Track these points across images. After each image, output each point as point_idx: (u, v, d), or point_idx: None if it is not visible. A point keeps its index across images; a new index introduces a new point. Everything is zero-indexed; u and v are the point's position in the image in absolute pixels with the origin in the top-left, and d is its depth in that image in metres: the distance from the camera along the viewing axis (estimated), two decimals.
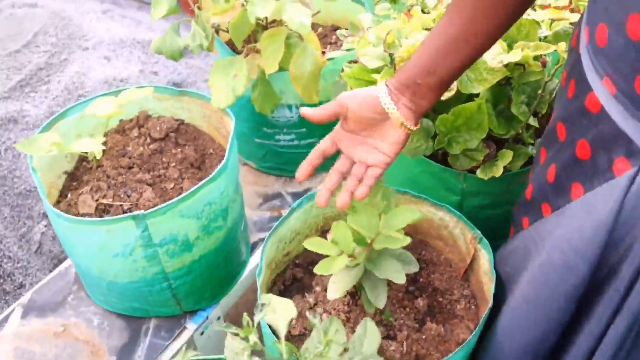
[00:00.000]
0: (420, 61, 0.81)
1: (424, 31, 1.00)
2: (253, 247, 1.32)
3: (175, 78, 1.87)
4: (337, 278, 0.93)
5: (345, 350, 0.78)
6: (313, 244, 0.91)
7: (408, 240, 0.87)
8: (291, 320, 0.76)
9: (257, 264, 1.27)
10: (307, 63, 1.16)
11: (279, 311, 0.73)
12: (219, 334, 1.24)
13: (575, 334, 0.82)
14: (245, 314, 0.67)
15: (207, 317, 1.19)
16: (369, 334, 0.79)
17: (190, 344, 1.19)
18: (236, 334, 0.68)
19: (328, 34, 1.52)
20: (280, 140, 1.40)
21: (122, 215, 0.97)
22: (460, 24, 0.78)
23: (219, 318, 1.23)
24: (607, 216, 0.71)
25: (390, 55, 0.95)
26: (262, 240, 1.34)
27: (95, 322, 1.19)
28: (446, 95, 0.94)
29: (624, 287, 0.73)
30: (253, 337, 0.66)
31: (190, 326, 1.18)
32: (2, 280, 1.51)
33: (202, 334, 1.19)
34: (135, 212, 0.97)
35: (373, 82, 1.05)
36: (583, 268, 0.75)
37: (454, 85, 0.95)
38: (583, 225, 0.74)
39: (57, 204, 1.15)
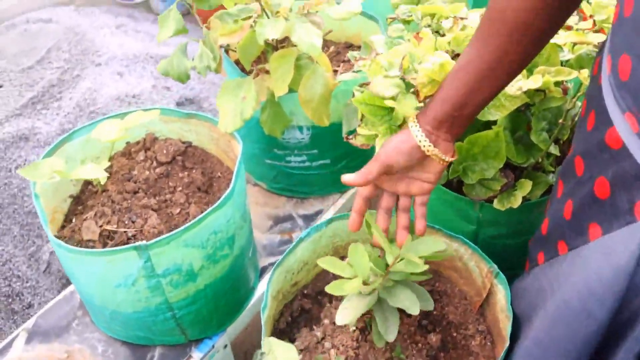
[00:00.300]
0: (450, 96, 0.79)
1: (438, 53, 0.96)
2: (262, 272, 1.29)
3: (187, 94, 1.85)
4: (348, 304, 0.89)
5: None
6: (328, 263, 0.88)
7: (427, 267, 0.83)
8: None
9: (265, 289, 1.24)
10: (317, 85, 1.13)
11: (280, 357, 0.69)
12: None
13: None
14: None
15: (213, 346, 1.16)
16: None
17: None
18: None
19: (341, 51, 1.48)
20: (292, 162, 1.36)
21: (124, 247, 0.94)
22: (491, 56, 0.75)
23: (225, 346, 1.19)
24: (628, 261, 0.66)
25: (406, 81, 0.91)
26: (271, 264, 1.30)
27: (100, 349, 1.16)
28: None
29: None
30: None
31: (196, 355, 1.14)
32: (10, 300, 1.49)
33: None
34: (138, 243, 0.94)
35: (386, 108, 1.01)
36: (601, 315, 0.70)
37: None
38: (602, 270, 0.69)
39: (61, 229, 1.12)
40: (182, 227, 0.96)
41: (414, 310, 0.86)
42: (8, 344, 1.18)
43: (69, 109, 1.73)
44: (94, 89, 1.81)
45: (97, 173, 1.03)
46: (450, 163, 0.88)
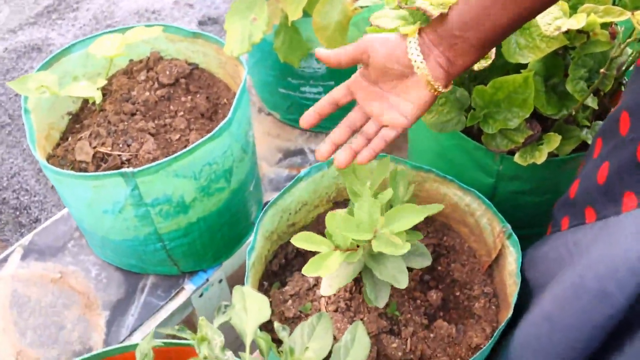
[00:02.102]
0: (459, 11, 0.65)
1: None
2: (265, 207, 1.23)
3: (211, 12, 1.74)
4: (333, 274, 0.81)
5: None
6: (301, 240, 0.78)
7: (408, 246, 0.73)
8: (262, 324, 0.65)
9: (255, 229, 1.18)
10: (334, 11, 1.02)
11: (250, 311, 0.63)
12: (219, 296, 1.17)
13: None
14: (201, 318, 0.57)
15: (207, 279, 1.12)
16: (358, 342, 0.68)
17: (188, 305, 1.12)
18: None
19: None
20: (306, 92, 1.27)
21: (109, 172, 0.89)
22: None
23: (220, 281, 1.15)
24: None
25: (412, 11, 0.79)
26: None
27: (93, 273, 1.14)
28: (478, 66, 0.79)
29: None
30: (205, 349, 0.56)
31: (189, 287, 1.11)
32: (18, 213, 1.48)
33: (201, 295, 1.12)
34: (124, 170, 0.88)
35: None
36: (620, 299, 0.61)
37: (492, 53, 0.79)
38: (629, 248, 0.60)
39: (56, 147, 1.07)
40: (171, 156, 0.89)
41: (402, 283, 0.77)
42: (4, 258, 1.16)
43: (85, 20, 1.66)
44: (112, 1, 1.72)
45: (90, 92, 0.97)
46: (435, 99, 0.72)
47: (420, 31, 0.69)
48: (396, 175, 0.82)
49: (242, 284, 1.24)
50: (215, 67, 1.14)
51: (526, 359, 0.77)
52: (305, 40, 1.14)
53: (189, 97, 1.10)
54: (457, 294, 0.94)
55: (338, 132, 0.75)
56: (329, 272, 0.73)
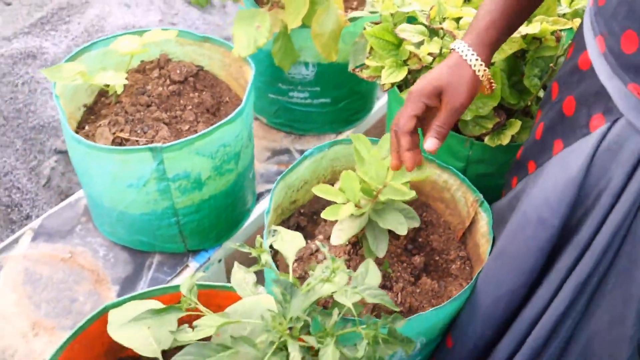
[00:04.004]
0: (495, 19, 0.82)
1: (467, 10, 1.02)
2: (258, 197, 1.36)
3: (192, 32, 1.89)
4: (342, 226, 0.97)
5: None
6: (321, 190, 0.95)
7: (413, 193, 0.92)
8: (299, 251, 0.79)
9: (260, 213, 1.32)
10: (329, 22, 1.19)
11: (287, 241, 0.77)
12: (219, 275, 1.28)
13: (539, 287, 0.86)
14: (258, 237, 0.71)
15: (209, 258, 1.23)
16: (371, 272, 0.83)
17: None
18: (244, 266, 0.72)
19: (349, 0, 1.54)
20: (294, 97, 1.43)
21: (139, 147, 1.01)
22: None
23: (220, 260, 1.27)
24: (578, 172, 0.75)
25: (430, 28, 0.98)
26: (267, 191, 1.38)
27: (101, 253, 1.23)
28: None
29: (584, 243, 0.77)
30: (265, 256, 0.69)
31: (193, 265, 1.22)
32: (9, 210, 1.55)
33: (202, 273, 1.23)
34: (153, 145, 1.01)
35: (394, 43, 1.08)
36: (554, 222, 0.79)
37: None
38: (557, 181, 0.78)
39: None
40: (195, 135, 1.02)
41: (403, 230, 0.94)
42: (14, 240, 1.24)
43: (77, 32, 1.77)
44: (102, 16, 1.85)
45: (118, 80, 1.09)
46: None
47: (474, 46, 0.82)
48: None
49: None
50: (218, 69, 1.28)
51: (487, 291, 0.93)
52: (297, 49, 1.31)
53: (196, 94, 1.24)
54: (437, 258, 1.10)
55: (406, 143, 0.84)
56: (343, 216, 0.89)
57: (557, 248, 0.82)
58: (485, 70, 0.82)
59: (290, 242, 0.78)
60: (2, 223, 1.53)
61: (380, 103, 1.62)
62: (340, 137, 1.53)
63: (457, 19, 0.97)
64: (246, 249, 0.71)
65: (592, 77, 0.74)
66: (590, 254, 0.77)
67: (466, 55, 0.81)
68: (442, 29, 0.93)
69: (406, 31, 0.98)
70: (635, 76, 0.67)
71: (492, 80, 0.85)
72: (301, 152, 1.48)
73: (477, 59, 0.81)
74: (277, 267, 1.03)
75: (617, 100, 0.70)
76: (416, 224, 1.01)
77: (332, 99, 1.44)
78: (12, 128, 1.59)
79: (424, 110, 0.83)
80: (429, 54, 0.96)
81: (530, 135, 0.93)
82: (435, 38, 0.98)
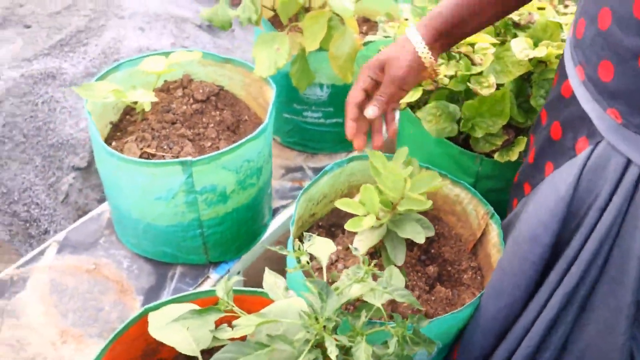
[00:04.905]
0: (452, 11, 0.91)
1: (481, 34, 1.09)
2: (274, 213, 1.42)
3: (215, 54, 1.96)
4: (362, 237, 1.03)
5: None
6: (343, 204, 1.01)
7: (430, 202, 0.98)
8: (331, 256, 0.85)
9: (276, 228, 1.38)
10: (345, 45, 1.26)
11: (319, 246, 0.83)
12: (237, 286, 1.32)
13: (532, 300, 0.92)
14: (296, 240, 0.76)
15: (228, 270, 1.28)
16: (395, 276, 0.89)
17: (212, 293, 1.27)
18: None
19: (360, 24, 1.62)
20: (308, 117, 1.49)
21: (170, 160, 1.06)
22: None
23: (239, 272, 1.32)
24: (567, 191, 0.82)
25: (449, 54, 1.05)
26: (283, 207, 1.43)
27: (125, 264, 1.28)
28: (487, 92, 1.04)
29: (572, 255, 0.83)
30: (304, 258, 0.75)
31: (213, 276, 1.27)
32: (28, 225, 1.59)
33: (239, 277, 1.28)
34: (184, 159, 1.06)
35: None
36: (546, 239, 0.85)
37: (493, 83, 1.04)
38: (547, 200, 0.85)
39: None
40: (223, 150, 1.08)
41: (420, 239, 1.01)
42: (40, 252, 1.28)
43: (94, 54, 1.84)
44: (118, 39, 1.92)
45: (148, 98, 1.15)
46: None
47: (423, 34, 0.91)
48: (410, 161, 1.05)
49: (255, 278, 1.42)
50: (238, 89, 1.35)
51: (489, 304, 0.99)
52: (312, 71, 1.38)
53: (218, 113, 1.30)
54: (449, 269, 1.16)
55: (352, 113, 0.98)
56: (364, 228, 0.94)
57: (550, 263, 0.89)
58: (428, 52, 0.90)
59: (323, 247, 0.83)
60: (21, 238, 1.57)
61: None
62: (351, 155, 1.60)
63: (472, 44, 1.04)
64: (285, 252, 0.76)
65: (575, 103, 0.81)
66: (577, 264, 0.83)
67: (411, 35, 0.91)
68: (459, 52, 1.00)
69: None
70: (613, 102, 0.74)
71: (436, 68, 0.93)
72: (314, 169, 1.54)
73: (421, 41, 0.90)
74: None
75: (598, 124, 0.77)
76: (431, 233, 1.07)
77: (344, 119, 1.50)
78: (32, 145, 1.64)
79: (373, 85, 0.95)
80: (446, 75, 1.03)
81: (524, 159, 1.00)
82: (452, 61, 1.05)
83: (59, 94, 1.73)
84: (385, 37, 1.29)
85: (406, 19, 1.24)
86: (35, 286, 1.23)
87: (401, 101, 1.13)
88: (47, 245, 1.30)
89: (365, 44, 1.31)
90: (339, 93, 1.44)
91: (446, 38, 0.93)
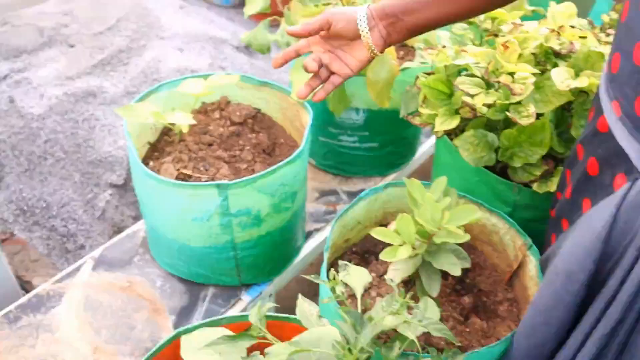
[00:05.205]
0: (406, 1, 0.93)
1: (522, 66, 1.08)
2: (307, 236, 1.41)
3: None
4: (397, 266, 1.01)
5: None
6: (379, 233, 1.00)
7: (468, 236, 0.96)
8: (365, 285, 0.84)
9: (309, 251, 1.37)
10: (383, 71, 1.26)
11: (354, 275, 0.82)
12: (270, 310, 1.32)
13: (568, 338, 0.89)
14: (332, 270, 0.76)
15: (261, 292, 1.28)
16: (430, 308, 0.87)
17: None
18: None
19: (397, 49, 1.62)
20: (343, 141, 1.49)
21: (207, 183, 1.07)
22: None
23: (270, 295, 1.32)
24: (603, 228, 0.79)
25: (486, 80, 1.04)
26: (316, 230, 1.43)
27: (158, 283, 1.29)
28: (526, 122, 1.02)
29: (610, 295, 0.80)
30: (340, 288, 0.74)
31: (245, 298, 1.27)
32: (65, 240, 1.62)
33: (254, 307, 1.28)
34: (219, 182, 1.07)
35: (446, 93, 1.15)
36: (581, 276, 0.82)
37: (533, 112, 1.03)
38: (584, 237, 0.82)
39: None
40: (259, 174, 1.09)
41: (456, 271, 0.99)
42: (76, 268, 1.30)
43: (134, 74, 1.88)
44: (158, 59, 1.96)
45: (186, 120, 1.17)
46: (372, 59, 1.00)
47: (369, 7, 0.94)
48: (448, 191, 1.04)
49: (287, 301, 1.41)
50: (275, 112, 1.36)
51: (522, 340, 0.96)
52: (349, 96, 1.38)
53: (254, 135, 1.31)
54: (484, 300, 1.14)
55: (291, 50, 1.01)
56: (400, 258, 0.93)
57: (585, 302, 0.86)
58: (365, 23, 0.93)
59: (357, 277, 0.83)
60: (58, 252, 1.60)
61: (424, 148, 1.68)
62: (386, 179, 1.59)
63: (512, 73, 1.03)
64: (320, 281, 0.76)
65: (611, 139, 0.79)
66: (615, 306, 0.80)
67: (361, 7, 0.94)
68: (498, 82, 1.00)
69: (464, 84, 1.04)
70: None
71: (370, 47, 0.95)
72: (348, 193, 1.53)
73: (365, 12, 0.93)
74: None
75: (635, 161, 0.75)
76: (467, 264, 1.05)
77: (380, 143, 1.50)
78: (72, 162, 1.67)
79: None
80: (484, 104, 1.02)
81: (562, 194, 0.98)
82: (492, 90, 1.04)
83: (99, 112, 1.77)
84: (422, 63, 1.28)
85: (444, 46, 1.23)
86: (70, 302, 1.25)
87: (438, 128, 1.12)
88: (83, 261, 1.32)
89: (402, 70, 1.31)
90: (374, 117, 1.44)
91: (394, 20, 0.94)
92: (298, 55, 1.02)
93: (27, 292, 1.43)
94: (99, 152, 1.70)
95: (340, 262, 0.84)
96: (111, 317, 1.22)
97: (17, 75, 1.84)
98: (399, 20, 0.94)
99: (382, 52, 0.97)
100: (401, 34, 0.95)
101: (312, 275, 0.77)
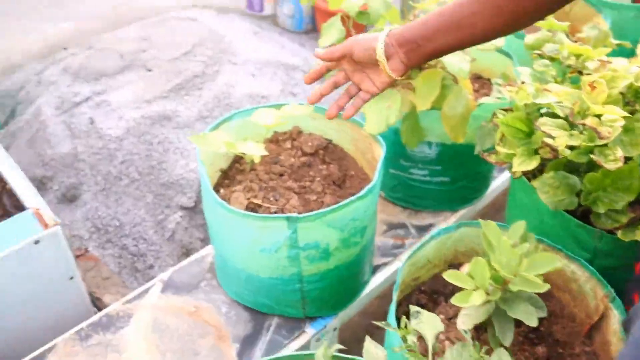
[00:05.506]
0: (425, 27, 0.93)
1: (610, 108, 1.03)
2: (375, 270, 1.39)
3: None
4: (468, 311, 0.97)
5: None
6: (451, 276, 0.96)
7: (547, 286, 0.91)
8: (437, 334, 0.81)
9: (376, 286, 1.35)
10: (459, 105, 1.23)
11: (426, 323, 0.79)
12: (331, 343, 1.30)
13: None
14: (403, 317, 0.73)
15: (325, 326, 1.27)
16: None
17: (306, 347, 1.26)
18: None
19: (472, 82, 1.58)
20: (414, 174, 1.47)
21: (277, 215, 1.07)
22: (465, 11, 0.90)
23: (335, 329, 1.30)
24: None
25: (570, 122, 1.00)
26: (384, 264, 1.40)
27: (224, 309, 1.29)
28: (613, 166, 0.97)
29: None
30: (412, 338, 0.72)
31: (309, 331, 1.25)
32: (135, 259, 1.66)
33: (317, 340, 1.27)
34: (289, 214, 1.07)
35: (526, 132, 1.10)
36: None
37: (621, 156, 0.98)
38: None
39: None
40: (329, 208, 1.08)
41: (533, 321, 0.94)
42: (145, 290, 1.33)
43: (207, 98, 1.92)
44: (230, 84, 1.99)
45: (258, 151, 1.17)
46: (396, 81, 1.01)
47: (389, 34, 0.96)
48: (526, 236, 0.99)
49: (351, 334, 1.39)
50: (346, 143, 1.35)
51: None
52: (422, 129, 1.36)
53: (325, 166, 1.30)
54: (560, 351, 1.08)
55: (325, 85, 1.06)
56: (473, 304, 0.90)
57: None
58: (382, 48, 0.95)
59: (430, 324, 0.80)
60: (129, 271, 1.64)
61: (496, 183, 1.63)
62: (456, 214, 1.55)
63: (599, 116, 0.98)
64: (391, 329, 0.73)
65: None
66: None
67: (381, 32, 0.97)
68: (584, 124, 0.95)
69: (546, 125, 1.00)
70: None
71: (387, 72, 0.97)
72: (417, 227, 1.50)
73: (383, 38, 0.95)
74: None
75: None
76: (543, 314, 1.00)
77: (451, 178, 1.46)
78: (145, 183, 1.72)
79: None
80: (567, 146, 0.98)
81: None
82: (575, 132, 0.99)
83: (172, 135, 1.81)
84: (499, 98, 1.25)
85: (523, 82, 1.19)
86: (139, 323, 1.27)
87: (516, 169, 1.08)
88: (152, 283, 1.34)
89: (479, 105, 1.28)
90: (447, 152, 1.41)
91: (414, 46, 0.95)
92: (328, 71, 1.07)
93: (98, 308, 1.47)
94: (171, 175, 1.74)
95: (411, 308, 0.81)
96: (177, 341, 1.23)
97: (98, 97, 1.91)
98: (418, 47, 0.95)
99: (402, 76, 0.99)
100: (422, 58, 0.97)
101: (383, 322, 0.75)
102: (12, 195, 1.31)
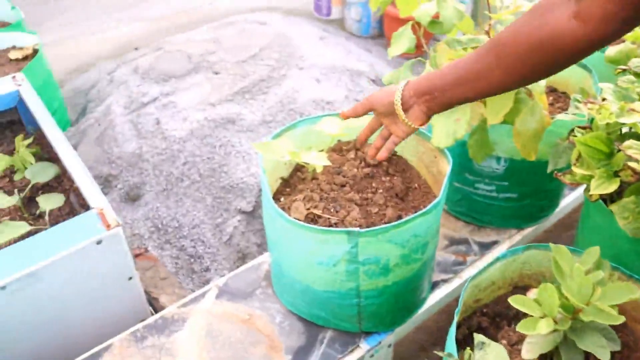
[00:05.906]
0: (441, 79, 0.97)
1: None
2: (434, 286, 1.34)
3: None
4: (534, 339, 0.92)
5: None
6: (517, 301, 0.91)
7: (622, 318, 0.85)
8: None
9: (434, 303, 1.30)
10: (532, 121, 1.17)
11: (490, 355, 0.75)
12: (386, 359, 1.27)
13: None
14: (467, 349, 0.69)
15: (380, 342, 1.23)
16: None
17: None
18: None
19: (546, 95, 1.51)
20: (480, 189, 1.41)
21: (337, 229, 1.05)
22: (480, 64, 0.91)
23: (390, 345, 1.26)
24: None
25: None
26: (443, 280, 1.35)
27: (277, 319, 1.28)
28: None
29: None
30: None
31: (364, 346, 1.22)
32: (192, 260, 1.67)
33: (372, 356, 1.23)
34: (350, 229, 1.04)
35: (606, 153, 1.04)
36: None
37: None
38: None
39: None
40: (391, 224, 1.04)
41: (604, 356, 0.87)
42: (201, 294, 1.33)
43: (272, 102, 1.92)
44: (295, 89, 1.99)
45: (322, 161, 1.15)
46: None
47: (407, 87, 1.02)
48: (601, 263, 0.93)
49: (407, 351, 1.34)
50: (410, 155, 1.31)
51: None
52: (491, 143, 1.30)
53: (388, 178, 1.26)
54: None
55: (364, 131, 1.18)
56: (540, 332, 0.84)
57: None
58: (399, 100, 1.02)
59: (493, 357, 0.75)
60: (185, 272, 1.66)
61: (566, 201, 1.55)
62: (522, 232, 1.48)
63: None
64: (454, 359, 0.69)
65: None
66: None
67: (396, 94, 1.03)
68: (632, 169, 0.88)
69: (633, 148, 0.93)
70: None
71: (406, 122, 1.04)
72: (480, 244, 1.44)
73: (400, 89, 1.02)
74: None
75: None
76: (616, 347, 0.93)
77: (519, 195, 1.40)
78: (206, 185, 1.73)
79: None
80: None
81: None
82: None
83: (235, 138, 1.82)
84: (576, 114, 1.18)
85: (604, 99, 1.12)
86: (193, 328, 1.27)
87: (593, 192, 1.01)
88: (208, 288, 1.34)
89: (554, 121, 1.21)
90: (516, 168, 1.35)
91: (432, 97, 0.99)
92: (373, 131, 1.18)
93: (154, 308, 1.48)
94: (232, 178, 1.75)
95: (476, 337, 0.77)
96: (229, 348, 1.23)
97: (165, 98, 1.94)
98: (436, 97, 0.99)
99: (424, 124, 1.05)
100: (442, 106, 1.01)
101: (445, 353, 0.71)
102: (78, 194, 1.34)
